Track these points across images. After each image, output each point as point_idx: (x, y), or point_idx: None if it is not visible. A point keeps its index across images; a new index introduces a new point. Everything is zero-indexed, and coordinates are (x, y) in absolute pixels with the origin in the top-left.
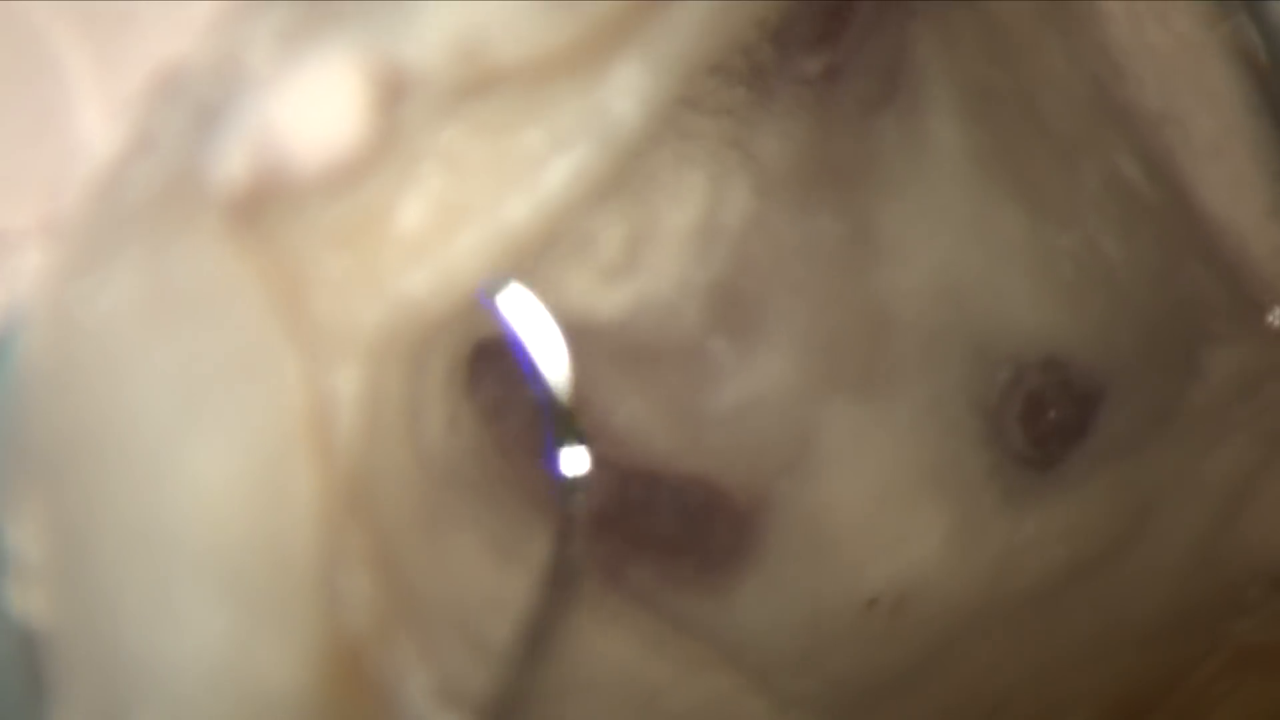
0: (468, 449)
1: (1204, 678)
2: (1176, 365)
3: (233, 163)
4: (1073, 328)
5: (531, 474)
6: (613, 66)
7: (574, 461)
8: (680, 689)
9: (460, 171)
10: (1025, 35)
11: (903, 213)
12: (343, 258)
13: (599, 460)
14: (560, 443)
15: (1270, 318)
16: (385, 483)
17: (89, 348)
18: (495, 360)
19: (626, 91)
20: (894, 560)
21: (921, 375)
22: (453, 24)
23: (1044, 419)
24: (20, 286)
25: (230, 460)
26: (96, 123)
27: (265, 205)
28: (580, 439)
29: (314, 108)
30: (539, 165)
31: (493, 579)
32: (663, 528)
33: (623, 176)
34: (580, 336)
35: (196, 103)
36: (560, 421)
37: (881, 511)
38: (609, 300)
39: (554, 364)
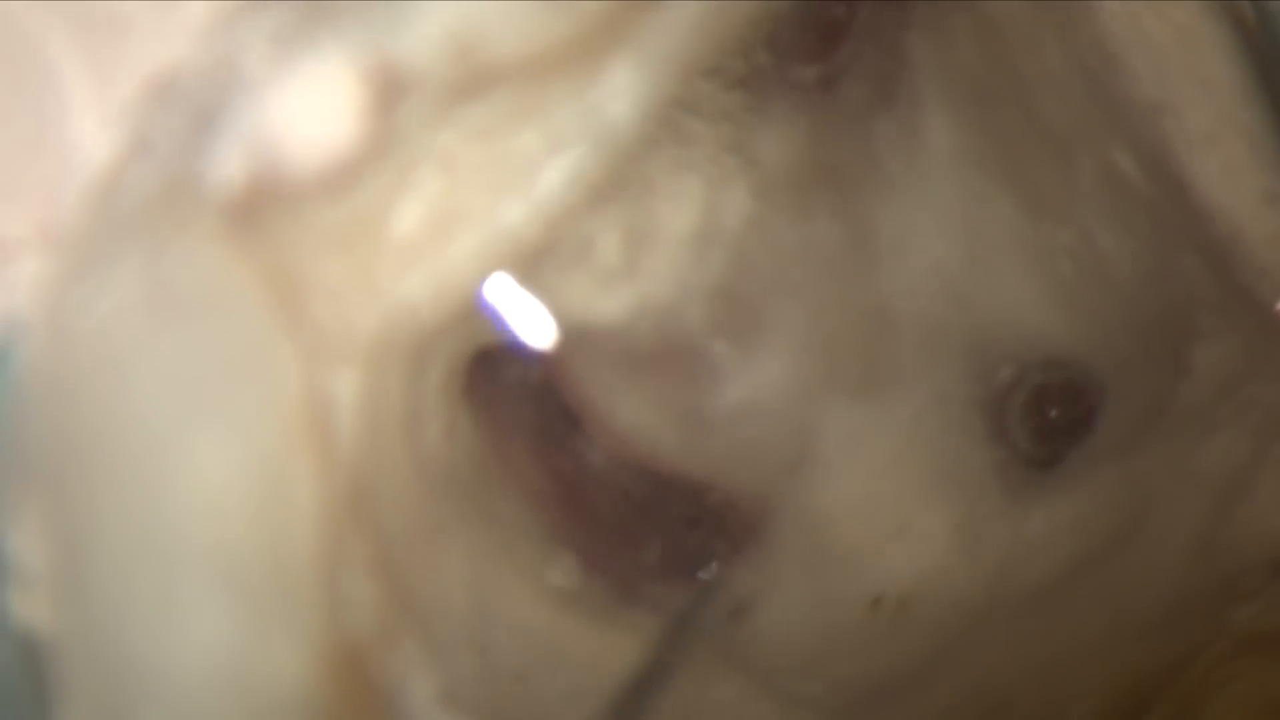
0: (466, 454)
1: (1206, 665)
2: (1168, 362)
3: (230, 165)
4: (1071, 325)
5: (529, 479)
6: (607, 66)
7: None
8: (687, 692)
9: (456, 175)
10: (1021, 34)
11: (901, 214)
12: (340, 261)
13: (605, 462)
14: None
15: (1263, 305)
16: (385, 486)
17: (89, 351)
18: (493, 366)
19: (621, 92)
20: (898, 559)
21: (922, 375)
22: (447, 22)
23: (1045, 417)
24: (18, 295)
25: (232, 461)
26: (92, 130)
27: (263, 208)
28: None
29: (310, 109)
30: (535, 168)
31: (493, 583)
32: (667, 530)
33: (620, 180)
34: (581, 340)
35: (192, 107)
36: None
37: (885, 511)
38: (609, 304)
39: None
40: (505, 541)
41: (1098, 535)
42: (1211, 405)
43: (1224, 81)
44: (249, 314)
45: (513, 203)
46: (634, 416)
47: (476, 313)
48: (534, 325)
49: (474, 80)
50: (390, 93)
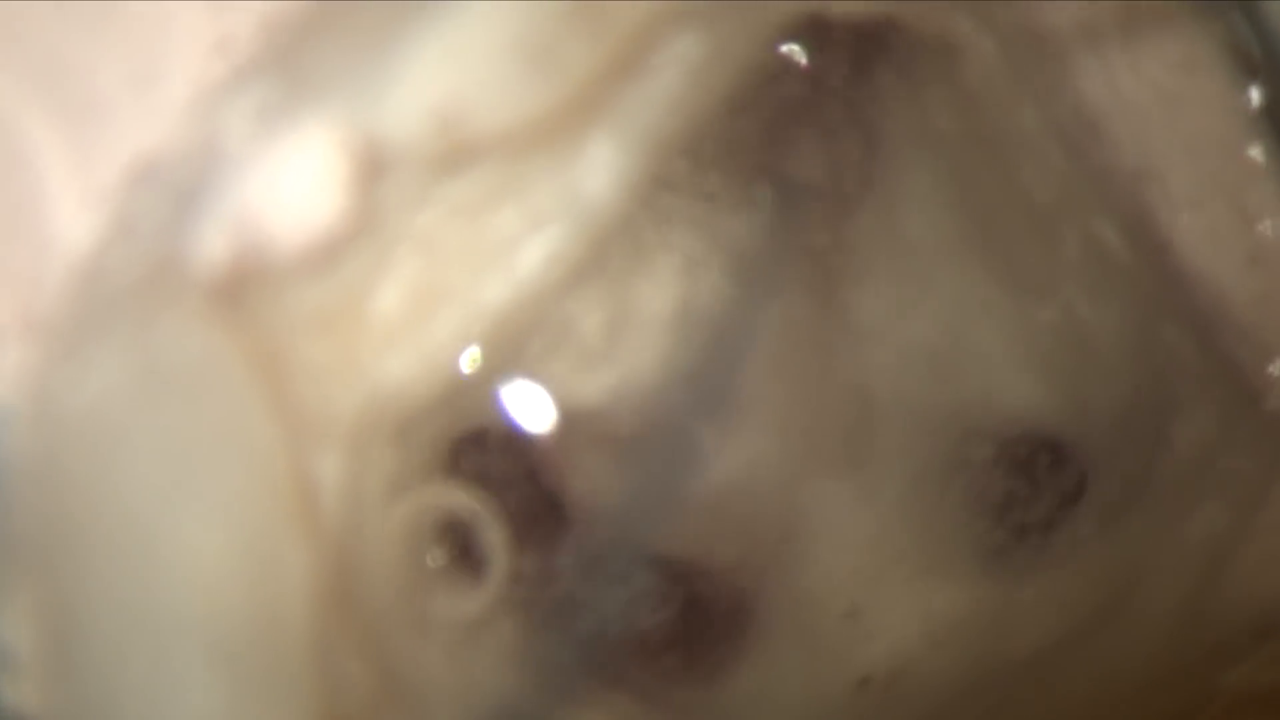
0: None
1: None
2: (1150, 435)
3: (213, 245)
4: (1054, 402)
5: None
6: (586, 142)
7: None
8: None
9: (437, 254)
10: (1001, 103)
11: (878, 293)
12: (322, 341)
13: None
14: None
15: (1243, 370)
16: (370, 568)
17: (76, 432)
18: (475, 450)
19: (599, 169)
20: (885, 638)
21: (905, 453)
22: (429, 93)
23: (1029, 494)
24: (1, 381)
25: (221, 540)
26: (73, 214)
27: (247, 286)
28: None
29: (292, 186)
30: (514, 246)
31: (479, 669)
32: (652, 615)
33: (600, 258)
34: (564, 423)
35: (175, 187)
36: None
37: (871, 590)
38: (591, 385)
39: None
40: (494, 627)
41: (1085, 607)
42: (1192, 476)
43: (1206, 141)
44: (235, 393)
45: (493, 282)
46: (617, 499)
47: (459, 395)
48: (521, 408)
49: (455, 154)
50: (373, 167)
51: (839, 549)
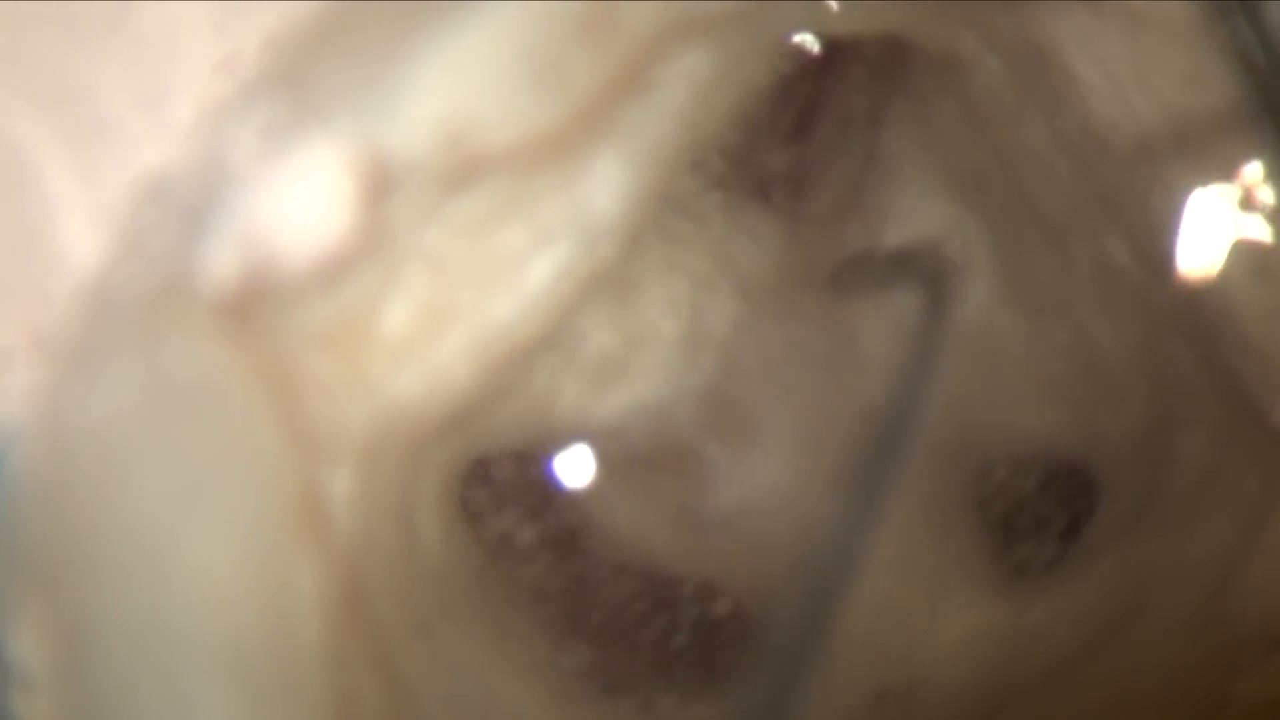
0: (462, 558)
1: None
2: (1157, 452)
3: (222, 262)
4: (1066, 423)
5: (527, 583)
6: (593, 158)
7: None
8: None
9: (445, 271)
10: (1007, 120)
11: (886, 316)
12: (330, 358)
13: (602, 566)
14: None
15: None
16: (383, 585)
17: (86, 452)
18: (487, 471)
19: (605, 185)
20: (901, 654)
21: (919, 473)
22: (437, 110)
23: (1041, 515)
24: (10, 402)
25: (233, 557)
26: (81, 233)
27: (255, 303)
28: None
29: (300, 203)
30: (522, 264)
31: (491, 684)
32: (666, 633)
33: (608, 277)
34: (575, 443)
35: (183, 205)
36: None
37: (885, 607)
38: (602, 406)
39: None
40: (504, 643)
41: (1097, 624)
42: (1199, 492)
43: (1213, 154)
44: (244, 410)
45: (501, 299)
46: (630, 519)
47: (469, 414)
48: (532, 429)
49: (463, 170)
50: (380, 184)
51: (852, 568)
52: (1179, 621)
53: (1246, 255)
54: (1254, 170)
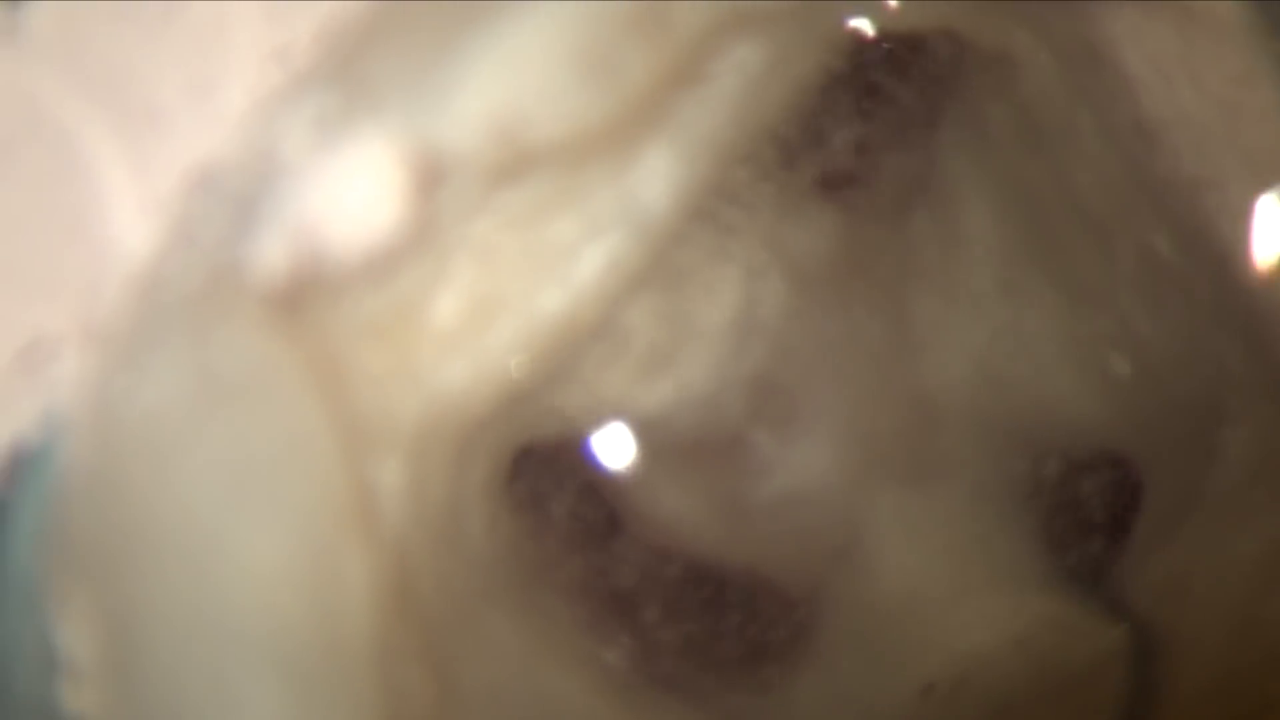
0: (509, 548)
1: None
2: (1201, 447)
3: (273, 253)
4: (1112, 415)
5: (573, 573)
6: (642, 150)
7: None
8: None
9: (494, 262)
10: (1058, 119)
11: (940, 305)
12: (380, 349)
13: (647, 555)
14: None
15: None
16: (430, 576)
17: (135, 442)
18: (534, 460)
19: (656, 177)
20: (949, 646)
21: (967, 465)
22: (488, 103)
23: (1089, 509)
24: (60, 391)
25: (282, 548)
26: (131, 222)
27: (306, 295)
28: None
29: (352, 196)
30: (572, 255)
31: (537, 675)
32: (713, 623)
33: (658, 267)
34: (622, 431)
35: (234, 196)
36: None
37: (935, 599)
38: (649, 394)
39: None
40: (550, 633)
41: (1143, 621)
42: (1244, 488)
43: (1267, 153)
44: (294, 402)
45: (550, 290)
46: (676, 508)
47: (518, 405)
48: (580, 418)
49: (513, 164)
50: (432, 177)
51: (901, 559)
52: (1223, 623)
53: None
54: None
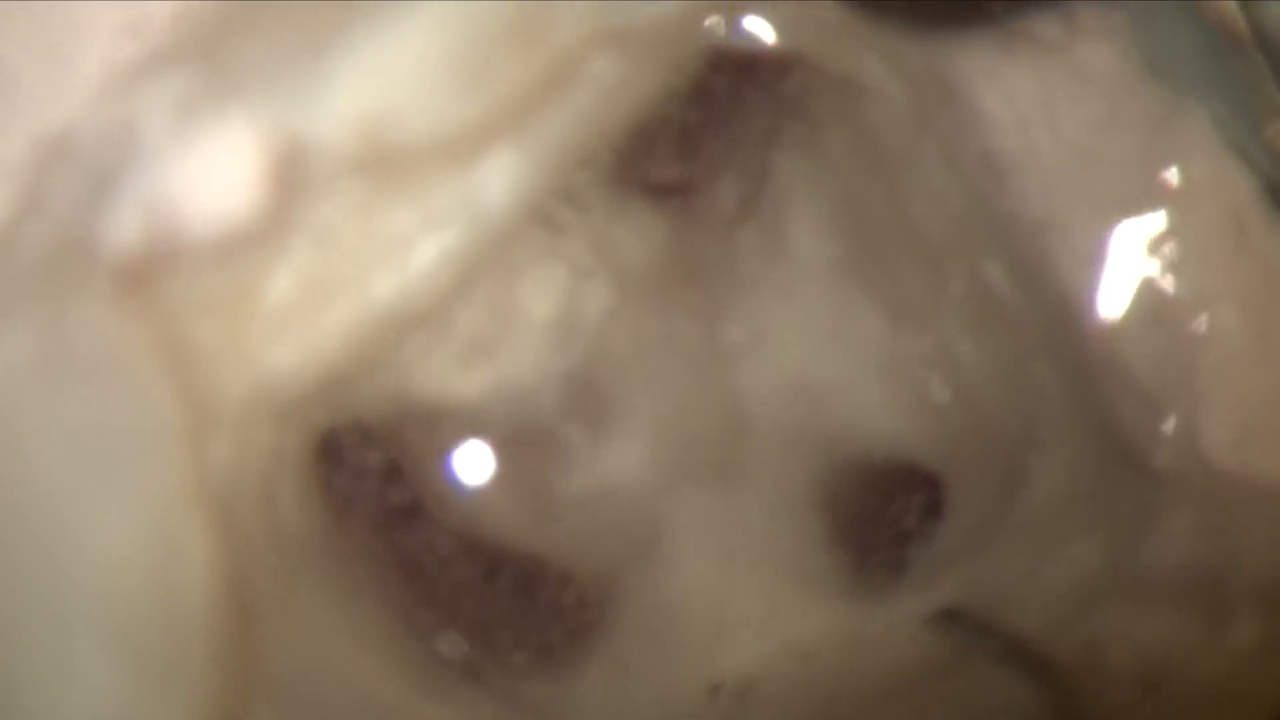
0: (317, 527)
1: None
2: (1008, 471)
3: (126, 229)
4: (920, 431)
5: (375, 555)
6: (490, 151)
7: None
8: None
9: (332, 247)
10: (901, 146)
11: (761, 316)
12: (216, 325)
13: (448, 541)
14: None
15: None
16: (251, 555)
17: None
18: (342, 441)
19: (500, 176)
20: (738, 649)
21: (772, 472)
22: (359, 101)
23: (887, 520)
24: None
25: (124, 522)
26: None
27: (156, 271)
28: None
29: (210, 178)
30: (408, 245)
31: (343, 657)
32: (510, 612)
33: (490, 263)
34: (433, 415)
35: (88, 168)
36: None
37: (728, 601)
38: (467, 384)
39: None
40: (353, 615)
41: (943, 642)
42: (1054, 517)
43: (1116, 202)
44: (140, 377)
45: (384, 278)
46: (482, 497)
47: (337, 385)
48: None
49: (375, 160)
50: (292, 166)
51: (700, 559)
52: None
53: (1145, 300)
54: (1158, 219)
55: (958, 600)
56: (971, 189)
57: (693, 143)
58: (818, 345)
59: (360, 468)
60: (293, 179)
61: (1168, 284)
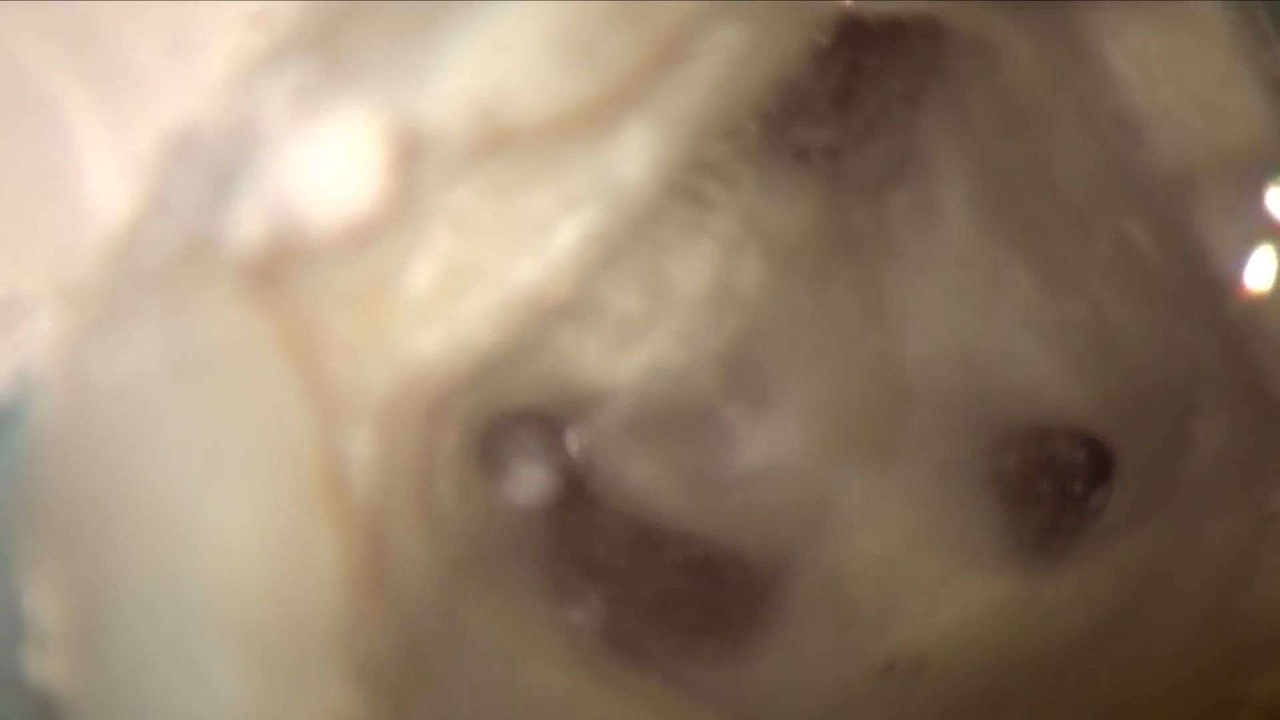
0: (478, 516)
1: None
2: (1173, 435)
3: (250, 224)
4: (1082, 398)
5: (541, 542)
6: (622, 126)
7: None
8: None
9: (470, 232)
10: (1038, 106)
11: (915, 284)
12: (354, 318)
13: (616, 525)
14: None
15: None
16: (401, 548)
17: (107, 409)
18: (506, 429)
19: (635, 152)
20: (911, 625)
21: (937, 443)
22: (470, 82)
23: (1056, 489)
24: (32, 351)
25: (252, 521)
26: (107, 184)
27: (281, 266)
28: None
29: (331, 169)
30: (548, 227)
31: (505, 646)
32: (679, 594)
33: (634, 240)
34: (594, 402)
35: (211, 163)
36: None
37: (899, 576)
38: (622, 366)
39: None
40: (518, 604)
41: (1111, 606)
42: (1215, 480)
43: (1244, 154)
44: (267, 374)
45: (526, 261)
46: (645, 479)
47: (489, 375)
48: (551, 389)
49: (494, 138)
50: (410, 151)
51: (867, 536)
52: (1192, 615)
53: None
54: None
55: (1125, 570)
56: (1108, 147)
57: (839, 106)
58: (975, 312)
59: (525, 457)
60: (412, 162)
61: None
